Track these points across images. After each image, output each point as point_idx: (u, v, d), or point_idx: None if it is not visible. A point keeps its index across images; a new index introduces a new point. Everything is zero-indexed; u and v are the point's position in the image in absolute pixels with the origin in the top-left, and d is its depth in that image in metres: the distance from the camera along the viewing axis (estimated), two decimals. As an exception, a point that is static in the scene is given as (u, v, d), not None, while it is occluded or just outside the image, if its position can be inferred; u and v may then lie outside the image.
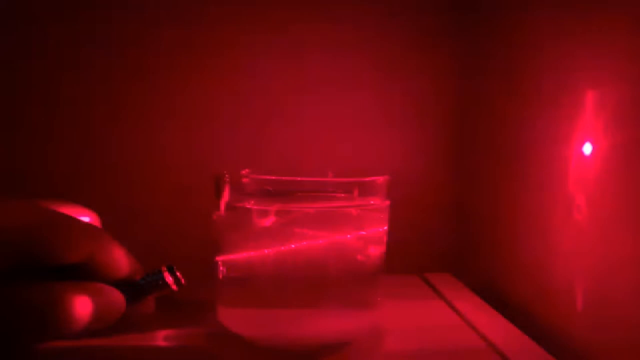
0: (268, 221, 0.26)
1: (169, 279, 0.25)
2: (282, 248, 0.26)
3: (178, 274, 0.25)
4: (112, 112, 0.42)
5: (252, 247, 0.27)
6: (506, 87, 0.39)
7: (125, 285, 0.24)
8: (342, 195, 0.28)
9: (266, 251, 0.26)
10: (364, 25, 0.44)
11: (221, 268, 0.28)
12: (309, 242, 0.26)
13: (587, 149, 0.28)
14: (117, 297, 0.23)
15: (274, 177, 0.27)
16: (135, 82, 0.42)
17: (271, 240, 0.26)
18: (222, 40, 0.42)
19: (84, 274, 0.23)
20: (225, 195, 0.28)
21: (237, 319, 0.28)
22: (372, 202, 0.28)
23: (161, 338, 0.28)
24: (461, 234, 0.46)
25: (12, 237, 0.21)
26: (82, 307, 0.21)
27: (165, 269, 0.25)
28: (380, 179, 0.29)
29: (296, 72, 0.43)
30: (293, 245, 0.26)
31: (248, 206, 0.27)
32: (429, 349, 0.28)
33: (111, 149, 0.42)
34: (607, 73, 0.27)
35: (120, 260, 0.24)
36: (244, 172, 0.28)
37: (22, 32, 0.40)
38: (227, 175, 0.28)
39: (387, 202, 0.29)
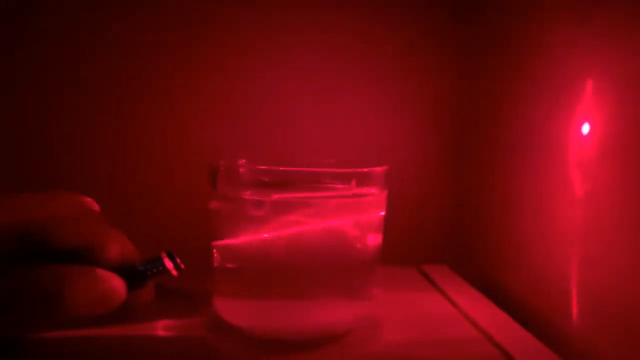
0: (264, 212, 0.26)
1: (168, 264, 0.25)
2: (279, 239, 0.26)
3: (177, 259, 0.25)
4: (110, 102, 0.42)
5: (249, 238, 0.27)
6: (504, 78, 0.39)
7: (125, 271, 0.24)
8: (340, 186, 0.28)
9: (262, 242, 0.26)
10: (364, 18, 0.44)
11: (217, 258, 0.28)
12: (306, 233, 0.26)
13: (584, 135, 0.29)
14: (118, 283, 0.23)
15: (270, 168, 0.27)
16: (135, 75, 0.42)
17: (267, 230, 0.26)
18: (220, 36, 0.42)
19: (85, 259, 0.23)
20: (221, 186, 0.28)
21: (233, 310, 0.28)
22: (370, 192, 0.28)
23: (157, 328, 0.28)
24: (458, 226, 0.46)
25: (16, 222, 0.21)
26: (86, 290, 0.22)
27: (164, 254, 0.25)
28: (378, 170, 0.29)
29: (295, 65, 0.43)
30: (290, 236, 0.26)
31: (244, 197, 0.27)
32: (425, 339, 0.29)
33: (109, 138, 0.42)
34: (605, 65, 0.27)
35: (120, 246, 0.24)
36: (240, 162, 0.28)
37: (22, 26, 0.40)
38: (222, 166, 0.27)
39: (385, 193, 0.29)
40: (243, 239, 0.27)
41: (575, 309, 0.29)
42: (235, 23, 0.42)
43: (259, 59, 0.43)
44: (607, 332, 0.27)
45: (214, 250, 0.28)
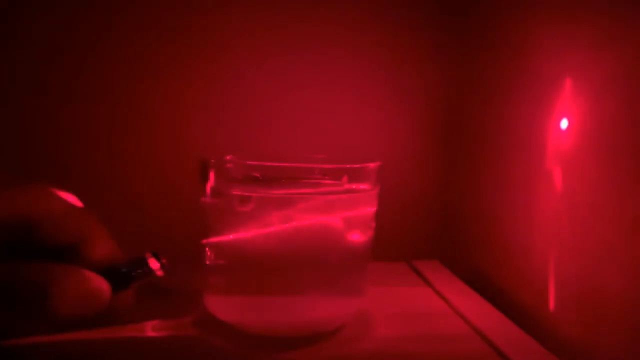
0: (252, 207, 0.26)
1: (154, 265, 0.24)
2: (270, 234, 0.26)
3: (163, 259, 0.25)
4: (103, 102, 0.41)
5: (239, 234, 0.26)
6: (492, 76, 0.39)
7: (108, 273, 0.23)
8: (332, 181, 0.28)
9: (253, 237, 0.26)
10: (355, 12, 0.43)
11: (208, 255, 0.28)
12: (297, 229, 0.26)
13: (564, 126, 0.30)
14: (103, 285, 0.23)
15: (260, 163, 0.27)
16: (126, 75, 0.41)
17: (258, 226, 0.26)
18: (211, 33, 0.42)
19: (69, 257, 0.22)
20: (212, 181, 0.27)
21: (224, 306, 0.28)
22: (361, 188, 0.28)
23: (149, 328, 0.28)
24: (449, 222, 0.46)
25: (5, 216, 0.21)
26: (71, 290, 0.21)
27: (150, 255, 0.24)
28: (371, 166, 0.28)
29: (285, 61, 0.42)
30: (280, 232, 0.26)
31: (235, 192, 0.26)
32: (416, 334, 0.29)
33: (101, 137, 0.41)
34: (586, 60, 0.28)
35: (106, 246, 0.24)
36: (228, 157, 0.28)
37: (18, 31, 0.39)
38: (212, 161, 0.27)
39: (377, 189, 0.29)
40: (233, 236, 0.26)
41: (565, 304, 0.29)
42: (223, 19, 0.42)
43: (250, 55, 0.42)
44: (596, 326, 0.27)
45: (206, 248, 0.28)
